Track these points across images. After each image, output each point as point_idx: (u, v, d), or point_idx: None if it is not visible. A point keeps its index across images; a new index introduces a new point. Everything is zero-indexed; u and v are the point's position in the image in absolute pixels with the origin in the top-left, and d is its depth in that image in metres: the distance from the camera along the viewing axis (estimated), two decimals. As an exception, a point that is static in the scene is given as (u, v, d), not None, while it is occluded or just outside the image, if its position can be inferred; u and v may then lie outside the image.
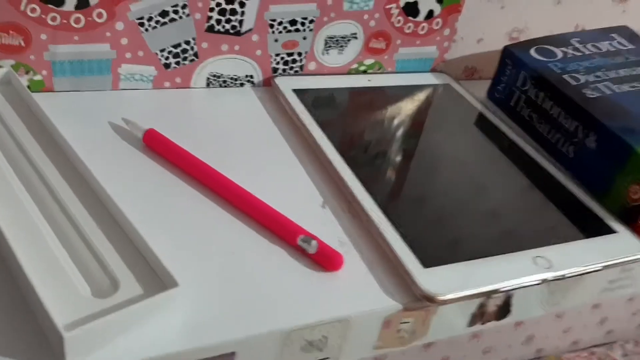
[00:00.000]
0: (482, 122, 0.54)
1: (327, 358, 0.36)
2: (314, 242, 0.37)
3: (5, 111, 0.41)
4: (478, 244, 0.40)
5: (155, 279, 0.32)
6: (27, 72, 0.45)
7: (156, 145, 0.42)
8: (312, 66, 0.54)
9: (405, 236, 0.38)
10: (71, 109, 0.45)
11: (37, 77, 0.45)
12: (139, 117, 0.45)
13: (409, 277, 0.36)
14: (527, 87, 0.53)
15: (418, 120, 0.52)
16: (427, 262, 0.37)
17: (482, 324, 0.41)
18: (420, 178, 0.46)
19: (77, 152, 0.38)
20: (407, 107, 0.54)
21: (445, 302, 0.35)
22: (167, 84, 0.49)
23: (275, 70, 0.53)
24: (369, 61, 0.56)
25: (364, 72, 0.56)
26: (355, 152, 0.46)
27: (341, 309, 0.35)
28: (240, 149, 0.45)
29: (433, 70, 0.59)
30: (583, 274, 0.40)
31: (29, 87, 0.45)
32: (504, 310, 0.41)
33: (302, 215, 0.39)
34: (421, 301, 0.36)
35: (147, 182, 0.40)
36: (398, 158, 0.47)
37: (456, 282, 0.36)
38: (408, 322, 0.37)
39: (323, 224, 0.40)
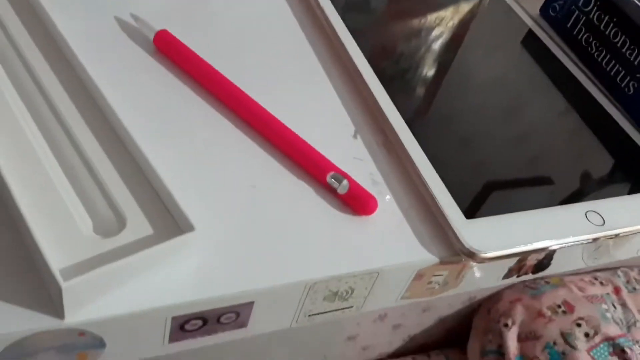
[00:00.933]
0: (532, 42, 0.48)
1: (351, 307, 0.33)
2: (345, 182, 0.33)
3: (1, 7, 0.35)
4: (524, 193, 0.36)
5: (167, 217, 0.28)
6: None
7: (168, 50, 0.37)
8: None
9: (446, 180, 0.34)
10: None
11: (32, -43, 0.39)
12: (148, 12, 0.39)
13: (449, 229, 0.32)
14: (590, 7, 0.47)
15: (461, 36, 0.47)
16: (470, 212, 0.33)
17: (518, 276, 0.38)
18: (465, 111, 0.40)
19: (79, 55, 0.33)
20: (451, 19, 0.48)
21: (487, 259, 0.32)
22: (181, -26, 0.43)
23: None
24: (412, -39, 0.49)
25: (406, -27, 0.49)
26: (392, 71, 0.40)
27: (372, 261, 0.31)
28: (261, 56, 0.40)
29: (482, -23, 0.52)
30: (637, 232, 0.36)
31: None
32: (544, 264, 0.37)
33: (330, 144, 0.35)
34: (460, 256, 0.32)
35: (157, 94, 0.35)
36: (441, 81, 0.42)
37: (501, 237, 0.32)
38: (441, 275, 0.34)
39: (354, 156, 0.36)
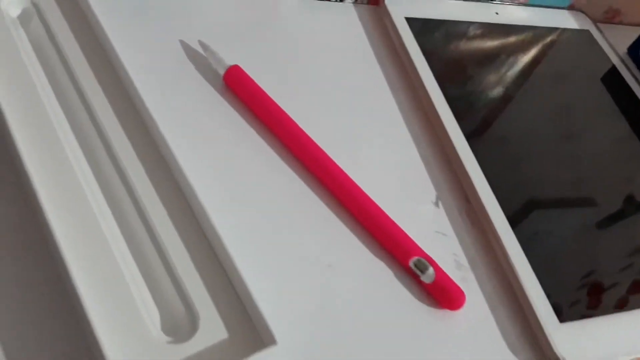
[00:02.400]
0: (614, 79, 0.44)
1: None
2: (430, 270, 0.29)
3: (52, 16, 0.31)
4: (630, 291, 0.33)
5: (245, 321, 0.25)
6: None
7: (240, 90, 0.33)
8: (432, -15, 0.42)
9: (538, 272, 0.31)
10: (124, 7, 0.34)
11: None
12: (212, 28, 0.35)
13: (540, 332, 0.29)
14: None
15: (551, 76, 0.42)
16: (565, 314, 0.30)
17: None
18: (558, 176, 0.37)
19: (142, 94, 0.29)
20: (539, 56, 0.43)
21: (580, 372, 0.29)
22: (252, -11, 0.38)
23: (387, -14, 0.41)
24: (500, -13, 0.44)
25: (491, -1, 0.45)
26: (480, 125, 0.37)
27: (454, 363, 0.28)
28: (332, 87, 0.36)
29: (571, 8, 0.48)
30: None
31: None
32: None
33: (408, 211, 0.32)
34: (550, 363, 0.29)
35: (225, 142, 0.31)
36: (534, 147, 0.38)
37: (599, 346, 0.29)
38: (522, 375, 0.31)
39: (436, 230, 0.32)
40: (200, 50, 0.34)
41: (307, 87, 0.36)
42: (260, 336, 0.24)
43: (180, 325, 0.24)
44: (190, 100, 0.32)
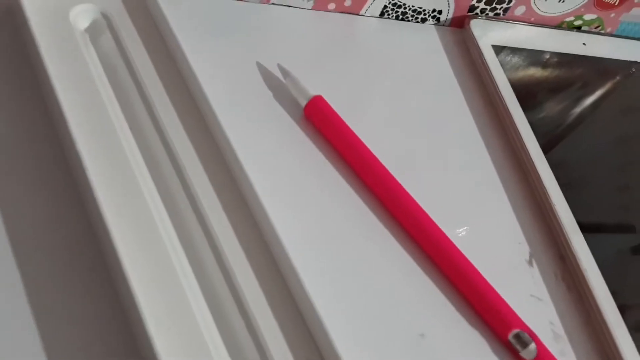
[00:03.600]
0: None
1: None
2: (532, 346, 0.26)
3: (124, 30, 0.28)
4: None
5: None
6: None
7: (322, 124, 0.30)
8: (519, 10, 0.39)
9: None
10: (209, 21, 0.31)
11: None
12: (287, 48, 0.32)
13: None
14: None
15: None
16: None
17: None
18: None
19: (226, 128, 0.26)
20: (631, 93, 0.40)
21: None
22: (331, 6, 0.35)
23: (472, 8, 0.38)
24: (589, 16, 0.41)
25: (578, 28, 0.41)
26: (575, 168, 0.34)
27: None
28: (412, 118, 0.33)
29: (660, 40, 0.44)
30: None
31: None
32: None
33: (500, 270, 0.29)
34: None
35: (305, 181, 0.28)
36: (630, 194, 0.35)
37: None
38: None
39: (531, 293, 0.29)
40: (280, 75, 0.31)
41: (386, 114, 0.33)
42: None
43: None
44: (270, 134, 0.29)
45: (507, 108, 0.34)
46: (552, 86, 0.38)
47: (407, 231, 0.28)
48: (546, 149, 0.33)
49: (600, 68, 0.40)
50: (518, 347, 0.26)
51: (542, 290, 0.30)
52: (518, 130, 0.34)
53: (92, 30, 0.28)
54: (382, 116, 0.32)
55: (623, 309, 0.29)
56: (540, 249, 0.31)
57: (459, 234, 0.29)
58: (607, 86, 0.40)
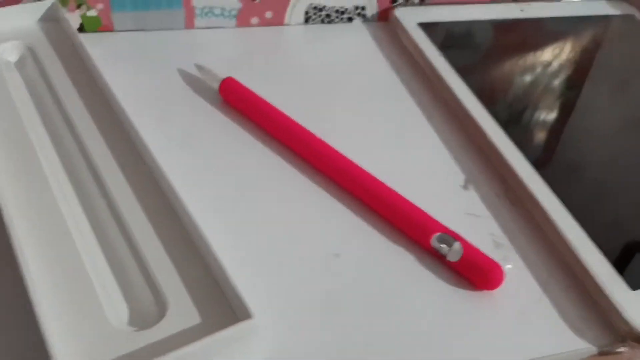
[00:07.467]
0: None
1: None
2: (456, 245, 0.25)
3: (47, 59, 0.31)
4: None
5: (219, 300, 0.22)
6: (78, 7, 0.35)
7: (235, 99, 0.31)
8: (445, -6, 0.40)
9: (595, 237, 0.25)
10: (133, 53, 0.35)
11: (91, 13, 0.35)
12: (218, 64, 0.34)
13: (608, 304, 0.23)
14: None
15: (588, 63, 0.38)
16: (636, 280, 0.24)
17: None
18: (601, 154, 0.32)
19: (133, 120, 0.28)
20: (573, 44, 0.39)
21: (670, 347, 0.22)
22: (254, 20, 0.38)
23: (394, -1, 0.40)
24: (521, -15, 0.42)
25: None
26: (507, 112, 0.33)
27: (496, 353, 0.22)
28: (350, 104, 0.33)
29: (609, -4, 0.44)
30: None
31: (82, 26, 0.35)
32: None
33: (433, 199, 0.27)
34: (628, 342, 0.23)
35: (222, 151, 0.29)
36: (566, 120, 0.33)
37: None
38: (600, 370, 0.24)
39: (467, 213, 0.28)
40: (197, 72, 0.33)
41: (314, 106, 0.33)
42: (237, 315, 0.21)
43: (146, 313, 0.21)
44: (187, 119, 0.31)
45: (436, 71, 0.35)
46: (485, 48, 0.38)
47: (320, 169, 0.28)
48: (482, 97, 0.33)
49: (538, 27, 0.40)
50: (443, 250, 0.25)
51: (480, 209, 0.28)
52: (445, 81, 0.34)
53: (19, 64, 0.32)
54: (315, 109, 0.33)
55: (575, 212, 0.27)
56: (477, 176, 0.30)
57: (391, 174, 0.28)
58: (544, 42, 0.39)
